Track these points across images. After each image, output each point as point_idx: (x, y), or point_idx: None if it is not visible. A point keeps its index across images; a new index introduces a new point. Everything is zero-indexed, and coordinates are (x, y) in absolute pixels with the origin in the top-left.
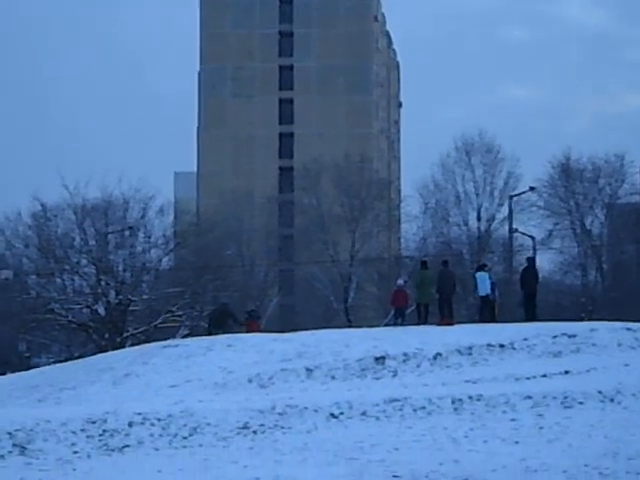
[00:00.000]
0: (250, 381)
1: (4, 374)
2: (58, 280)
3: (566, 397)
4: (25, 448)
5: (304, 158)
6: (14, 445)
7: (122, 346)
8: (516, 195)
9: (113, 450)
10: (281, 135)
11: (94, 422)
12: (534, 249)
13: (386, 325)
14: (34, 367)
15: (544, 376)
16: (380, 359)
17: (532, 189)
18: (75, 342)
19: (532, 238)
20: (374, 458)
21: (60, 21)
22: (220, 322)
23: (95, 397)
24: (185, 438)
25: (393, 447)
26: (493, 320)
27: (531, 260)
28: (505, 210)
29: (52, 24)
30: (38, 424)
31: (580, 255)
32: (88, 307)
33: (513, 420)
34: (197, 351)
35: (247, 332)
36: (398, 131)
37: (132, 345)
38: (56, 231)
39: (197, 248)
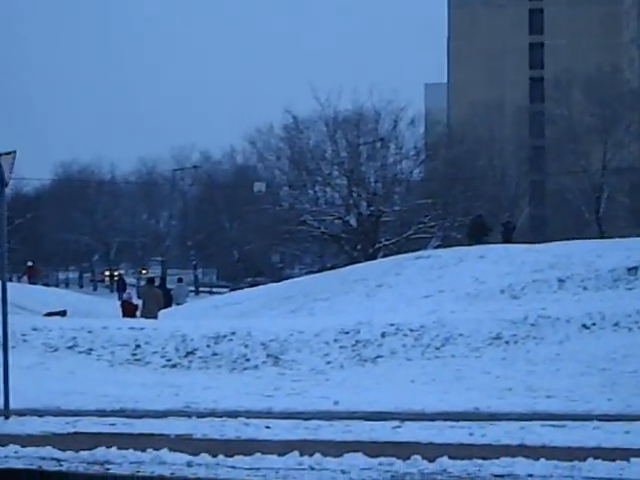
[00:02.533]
0: (502, 292)
1: (258, 285)
2: (310, 192)
3: None
4: (279, 358)
5: (554, 68)
6: (268, 355)
7: (374, 257)
8: None
9: (366, 360)
10: (531, 45)
11: (347, 333)
12: None
13: None
14: (287, 278)
15: None
16: (632, 270)
17: None
18: (327, 253)
19: None
20: (627, 369)
21: None
22: (476, 233)
23: (348, 308)
24: (438, 348)
25: None
26: None
27: None
28: None
29: None
30: (292, 334)
31: None
32: (340, 218)
33: None
34: (449, 262)
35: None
36: None
37: (384, 256)
38: (308, 143)
39: (448, 159)
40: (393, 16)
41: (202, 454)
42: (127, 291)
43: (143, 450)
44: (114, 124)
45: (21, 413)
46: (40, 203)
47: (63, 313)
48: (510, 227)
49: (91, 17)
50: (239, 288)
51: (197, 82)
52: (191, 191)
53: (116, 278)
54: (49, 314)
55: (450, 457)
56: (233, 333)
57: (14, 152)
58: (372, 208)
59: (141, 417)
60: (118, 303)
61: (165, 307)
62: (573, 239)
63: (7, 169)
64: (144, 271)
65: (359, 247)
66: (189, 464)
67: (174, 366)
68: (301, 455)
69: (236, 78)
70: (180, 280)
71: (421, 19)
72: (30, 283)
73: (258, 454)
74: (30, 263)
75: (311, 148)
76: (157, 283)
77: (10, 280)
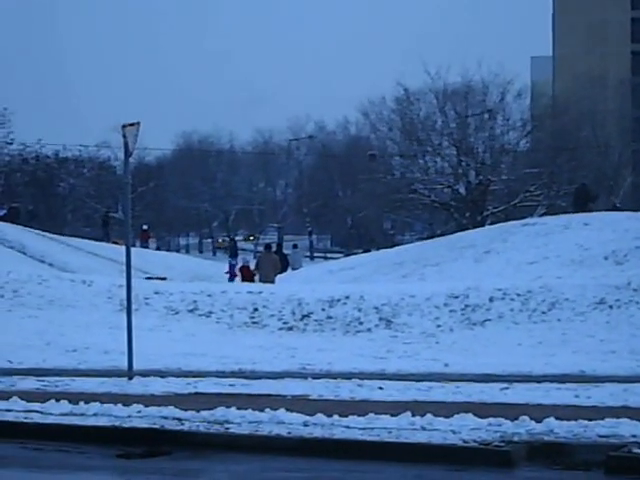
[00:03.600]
0: (606, 258)
1: (370, 251)
2: (421, 161)
3: None
4: (391, 322)
5: None
6: (380, 319)
7: (482, 224)
8: None
9: (475, 324)
10: (633, 20)
11: (457, 297)
12: None
13: None
14: (398, 244)
15: None
16: None
17: None
18: (437, 220)
19: None
20: None
21: None
22: (581, 201)
23: (457, 273)
24: (544, 313)
25: None
26: None
27: None
28: None
29: None
30: (403, 299)
31: None
32: (449, 187)
33: None
34: (555, 229)
35: None
36: None
37: (492, 223)
38: (418, 114)
39: (553, 130)
40: None
41: (318, 414)
42: (242, 256)
43: (261, 410)
44: (232, 95)
45: (144, 374)
46: (162, 172)
47: (163, 279)
48: (582, 191)
49: None
50: (353, 254)
51: (311, 54)
52: (306, 160)
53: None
54: (149, 278)
55: (557, 418)
56: (347, 297)
57: (138, 123)
58: (480, 177)
59: (259, 378)
60: (226, 267)
61: (282, 272)
62: None
63: (131, 140)
64: (252, 238)
65: (468, 215)
66: (305, 424)
67: (290, 329)
68: (413, 415)
69: (349, 51)
70: (295, 246)
71: None
72: (142, 247)
73: (371, 414)
74: (145, 227)
75: (422, 119)
76: (274, 249)
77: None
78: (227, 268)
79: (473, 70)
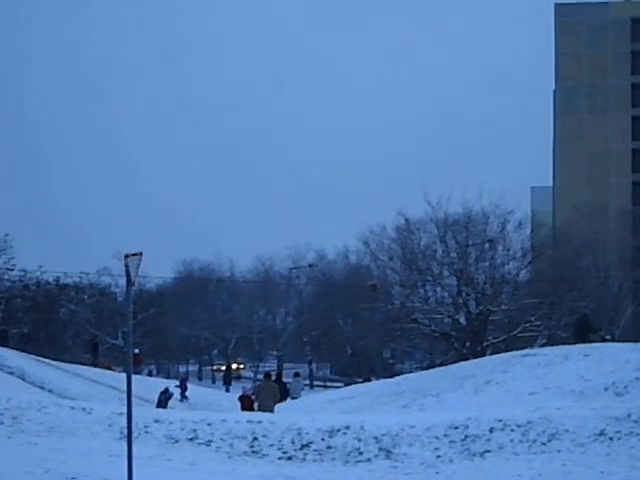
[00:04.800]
0: (606, 389)
1: (370, 380)
2: (421, 291)
3: None
4: (391, 452)
5: None
6: (380, 449)
7: (482, 354)
8: None
9: (475, 455)
10: (634, 151)
11: (456, 428)
12: None
13: None
14: (398, 373)
15: None
16: None
17: None
18: (437, 350)
19: None
20: None
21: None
22: (581, 332)
23: (458, 403)
24: (544, 444)
25: None
26: None
27: None
28: None
29: None
30: (403, 429)
31: None
32: (450, 317)
33: None
34: (555, 360)
35: None
36: None
37: (492, 353)
38: (419, 243)
39: (554, 260)
40: (501, 122)
41: None
42: (243, 385)
43: None
44: (233, 223)
45: None
46: (162, 299)
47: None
48: (583, 321)
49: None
50: (353, 382)
51: (310, 182)
52: (306, 289)
53: (223, 370)
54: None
55: None
56: (347, 427)
57: (140, 253)
58: (481, 307)
59: None
60: (225, 392)
61: (281, 401)
62: None
63: (134, 270)
64: (234, 365)
65: (468, 344)
66: None
67: (290, 458)
68: None
69: (349, 180)
70: (297, 374)
71: (527, 124)
72: (135, 372)
73: None
74: (137, 351)
75: (422, 248)
76: (274, 377)
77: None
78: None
79: (474, 200)
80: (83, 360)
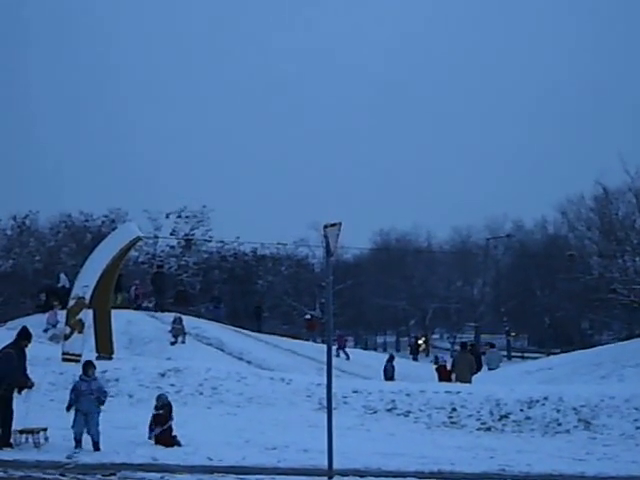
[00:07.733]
0: None
1: (568, 351)
2: (619, 261)
3: None
4: (590, 423)
5: None
6: (579, 420)
7: None
8: None
9: None
10: None
11: None
12: None
13: None
14: (596, 344)
15: None
16: None
17: None
18: (635, 320)
19: None
20: None
21: None
22: None
23: None
24: None
25: None
26: None
27: None
28: None
29: None
30: (602, 400)
31: None
32: None
33: None
34: None
35: None
36: None
37: None
38: (617, 213)
39: None
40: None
41: None
42: (441, 355)
43: None
44: (431, 194)
45: (343, 473)
46: (359, 270)
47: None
48: None
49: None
50: (552, 353)
51: (508, 155)
52: (504, 259)
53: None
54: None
55: None
56: (545, 398)
57: (339, 224)
58: None
59: (458, 479)
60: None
61: (476, 372)
62: None
63: (333, 240)
64: (421, 341)
65: None
66: None
67: (488, 429)
68: None
69: (548, 150)
70: (492, 345)
71: None
72: (306, 338)
73: None
74: (308, 316)
75: (620, 218)
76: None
77: (315, 341)
78: None
79: None
80: (281, 331)
